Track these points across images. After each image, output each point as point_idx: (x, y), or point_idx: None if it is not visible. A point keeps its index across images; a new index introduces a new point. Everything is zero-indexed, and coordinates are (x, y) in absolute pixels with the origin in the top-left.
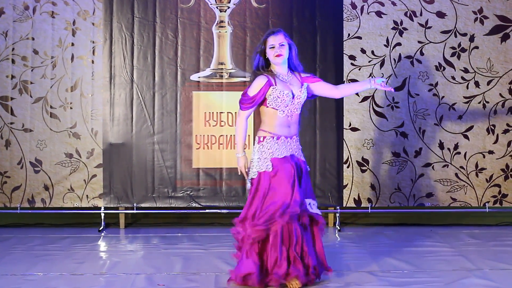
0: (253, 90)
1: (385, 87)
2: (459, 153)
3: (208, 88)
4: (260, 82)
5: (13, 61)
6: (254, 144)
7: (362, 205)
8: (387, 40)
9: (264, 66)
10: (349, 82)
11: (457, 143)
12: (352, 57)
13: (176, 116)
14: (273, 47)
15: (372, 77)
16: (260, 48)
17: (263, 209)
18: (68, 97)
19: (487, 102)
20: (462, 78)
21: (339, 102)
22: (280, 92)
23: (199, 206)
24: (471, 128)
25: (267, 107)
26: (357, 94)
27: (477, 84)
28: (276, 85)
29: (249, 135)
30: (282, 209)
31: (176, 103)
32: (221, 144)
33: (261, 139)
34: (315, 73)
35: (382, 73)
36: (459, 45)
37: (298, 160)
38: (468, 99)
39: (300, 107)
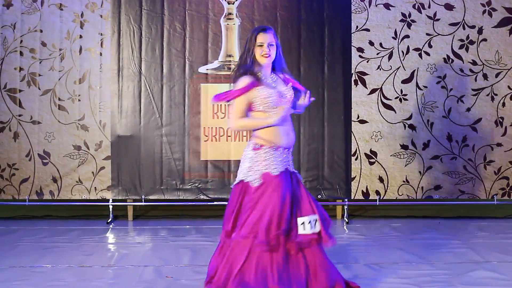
0: (237, 89)
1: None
2: (467, 145)
3: (216, 81)
4: (243, 81)
5: (21, 53)
6: (247, 149)
7: (370, 198)
8: (395, 33)
9: (251, 68)
10: (356, 74)
11: (466, 135)
12: (360, 49)
13: (184, 108)
14: (261, 45)
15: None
16: (252, 45)
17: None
18: (76, 89)
19: (496, 95)
20: (471, 70)
21: (347, 95)
22: (265, 92)
23: (207, 198)
24: (479, 120)
25: (255, 111)
26: (365, 86)
27: (485, 76)
28: (261, 85)
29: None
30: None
31: (184, 96)
32: (229, 136)
33: (257, 146)
34: (323, 66)
35: (391, 65)
36: (468, 37)
37: (292, 174)
38: (477, 92)
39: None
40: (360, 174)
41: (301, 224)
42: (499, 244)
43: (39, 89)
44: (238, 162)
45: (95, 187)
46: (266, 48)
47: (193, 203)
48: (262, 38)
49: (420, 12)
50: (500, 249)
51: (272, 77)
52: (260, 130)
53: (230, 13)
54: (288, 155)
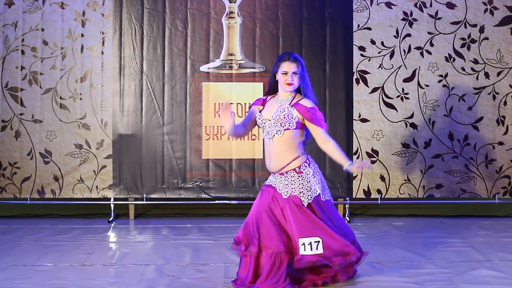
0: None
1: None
2: (468, 144)
3: (218, 79)
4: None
5: (22, 52)
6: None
7: (371, 196)
8: (397, 31)
9: (269, 89)
10: (358, 73)
11: (467, 134)
12: (361, 48)
13: (186, 107)
14: (285, 74)
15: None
16: (276, 72)
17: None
18: (77, 88)
19: (497, 93)
20: (472, 69)
21: (348, 93)
22: (257, 111)
23: (209, 197)
24: (481, 119)
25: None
26: (366, 85)
27: (487, 75)
28: (263, 105)
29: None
30: None
31: (186, 94)
32: None
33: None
34: (324, 65)
35: (392, 64)
36: (469, 36)
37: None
38: (478, 90)
39: (278, 129)
40: (362, 173)
41: (301, 245)
42: (501, 243)
43: (41, 87)
44: (239, 161)
45: (97, 186)
46: (289, 76)
47: (195, 202)
48: (286, 67)
49: (422, 11)
50: (502, 247)
51: (284, 99)
52: None
53: (231, 12)
54: (276, 179)
